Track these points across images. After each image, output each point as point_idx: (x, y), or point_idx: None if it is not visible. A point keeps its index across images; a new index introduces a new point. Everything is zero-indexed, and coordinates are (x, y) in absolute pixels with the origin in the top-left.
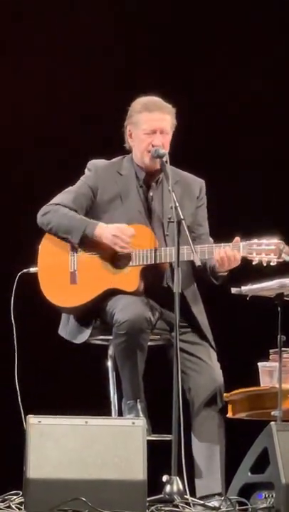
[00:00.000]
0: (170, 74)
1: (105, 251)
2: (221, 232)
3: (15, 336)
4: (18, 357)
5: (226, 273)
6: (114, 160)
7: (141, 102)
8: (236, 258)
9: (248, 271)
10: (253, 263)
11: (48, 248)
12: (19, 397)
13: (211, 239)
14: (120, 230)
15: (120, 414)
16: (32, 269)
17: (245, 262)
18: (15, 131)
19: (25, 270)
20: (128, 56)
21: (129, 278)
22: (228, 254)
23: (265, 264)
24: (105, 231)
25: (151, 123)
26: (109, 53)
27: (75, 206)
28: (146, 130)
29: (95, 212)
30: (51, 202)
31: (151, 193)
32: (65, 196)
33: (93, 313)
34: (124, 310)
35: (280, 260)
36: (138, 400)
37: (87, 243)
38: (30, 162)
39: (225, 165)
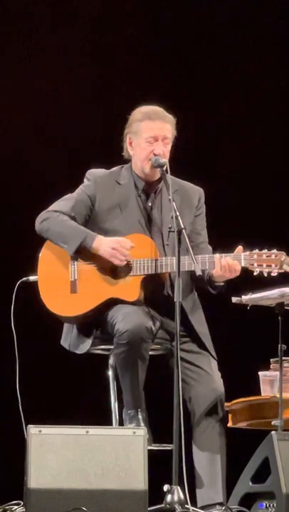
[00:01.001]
0: (170, 84)
1: (105, 260)
2: (222, 242)
3: (15, 344)
4: (19, 366)
5: (222, 283)
6: (113, 169)
7: (142, 110)
8: (236, 269)
9: (248, 280)
10: (254, 274)
11: (48, 256)
12: (20, 407)
13: (209, 247)
14: (119, 243)
15: (121, 423)
16: (32, 278)
17: (246, 272)
18: (15, 137)
19: (24, 278)
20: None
21: (130, 288)
22: (229, 263)
23: (265, 275)
24: (103, 244)
25: (153, 131)
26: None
27: (73, 213)
28: (148, 138)
29: (94, 222)
30: (50, 208)
31: (150, 203)
32: (64, 203)
33: (94, 323)
34: (125, 320)
35: (281, 271)
36: (139, 410)
37: (84, 253)
38: (31, 169)
39: (226, 174)
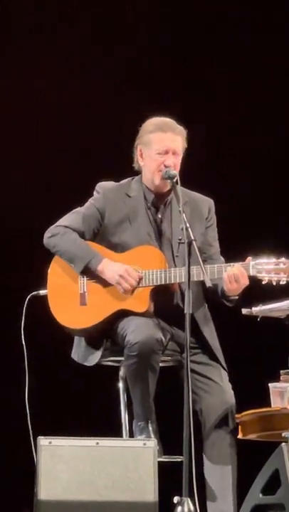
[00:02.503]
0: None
1: None
2: (230, 253)
3: (25, 357)
4: (28, 378)
5: (237, 296)
6: (122, 182)
7: (153, 122)
8: (244, 275)
9: (258, 292)
10: (263, 282)
11: (57, 270)
12: (28, 419)
13: (222, 258)
14: (127, 272)
15: (131, 435)
16: (42, 292)
17: (255, 281)
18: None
19: (34, 292)
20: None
21: (139, 299)
22: (234, 272)
23: (274, 284)
24: (109, 268)
25: (164, 143)
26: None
27: (83, 228)
28: (159, 150)
29: (104, 235)
30: (59, 223)
31: (159, 215)
32: (73, 217)
33: (104, 334)
34: (136, 331)
35: None
36: (149, 421)
37: (91, 273)
38: (39, 182)
39: (235, 184)
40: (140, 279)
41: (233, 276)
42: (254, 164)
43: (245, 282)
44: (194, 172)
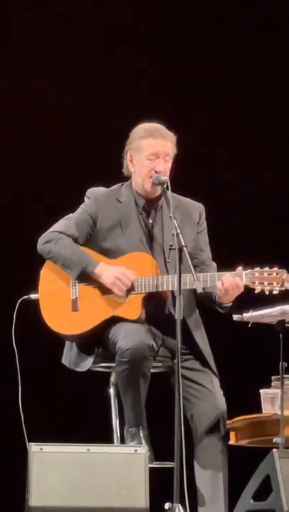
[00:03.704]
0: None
1: None
2: (222, 261)
3: (17, 362)
4: (21, 383)
5: (230, 303)
6: (113, 187)
7: (144, 127)
8: (239, 286)
9: (249, 298)
10: (256, 291)
11: (49, 275)
12: (23, 424)
13: (214, 263)
14: (123, 273)
15: (122, 441)
16: (33, 296)
17: (248, 290)
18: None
19: (26, 296)
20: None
21: (132, 306)
22: (230, 282)
23: (267, 293)
24: (106, 272)
25: (154, 148)
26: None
27: (76, 233)
28: (149, 156)
29: (96, 240)
30: (53, 229)
31: (150, 220)
32: (65, 223)
33: (95, 341)
34: (127, 337)
35: (283, 289)
36: (140, 428)
37: (86, 277)
38: (31, 186)
39: (226, 191)
40: (134, 279)
41: (229, 286)
42: (244, 171)
43: (240, 290)
44: (185, 178)
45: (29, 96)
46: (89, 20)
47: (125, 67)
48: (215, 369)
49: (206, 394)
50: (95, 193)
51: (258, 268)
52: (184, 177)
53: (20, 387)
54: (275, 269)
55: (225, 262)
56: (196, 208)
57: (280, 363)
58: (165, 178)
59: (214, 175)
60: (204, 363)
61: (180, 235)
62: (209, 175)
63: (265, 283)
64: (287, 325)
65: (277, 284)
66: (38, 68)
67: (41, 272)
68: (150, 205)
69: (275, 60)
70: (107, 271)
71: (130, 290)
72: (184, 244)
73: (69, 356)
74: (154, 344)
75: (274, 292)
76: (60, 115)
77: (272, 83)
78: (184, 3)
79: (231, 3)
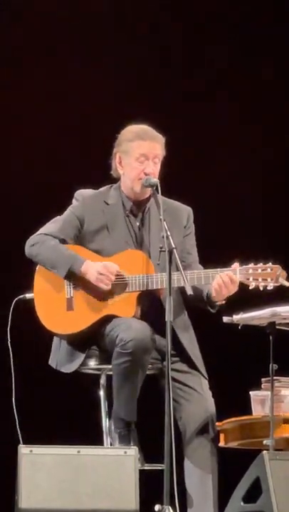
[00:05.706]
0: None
1: None
2: (216, 259)
3: (11, 362)
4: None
5: (223, 301)
6: (101, 189)
7: (132, 130)
8: (234, 280)
9: (239, 299)
10: (250, 288)
11: (43, 274)
12: (17, 425)
13: (200, 266)
14: (105, 268)
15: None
16: (28, 295)
17: (242, 286)
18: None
19: (21, 296)
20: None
21: (126, 304)
22: (224, 280)
23: (261, 289)
24: (90, 268)
25: (143, 150)
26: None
27: (62, 235)
28: (139, 158)
29: (82, 242)
30: (39, 232)
31: (138, 223)
32: (52, 226)
33: (88, 340)
34: (130, 329)
35: (277, 285)
36: (130, 428)
37: (78, 276)
38: (25, 186)
39: (222, 188)
40: (117, 271)
41: (222, 283)
42: (234, 169)
43: (235, 288)
44: (173, 179)
45: (29, 95)
46: (89, 20)
47: (115, 68)
48: (204, 371)
49: (195, 396)
50: (82, 195)
51: (252, 264)
52: (172, 178)
53: (14, 388)
54: (270, 264)
55: (218, 261)
56: (185, 211)
57: (270, 364)
58: (155, 180)
59: (203, 175)
60: (193, 365)
61: (170, 236)
62: (198, 175)
63: (260, 279)
64: (277, 327)
65: (272, 279)
66: (38, 68)
67: (36, 271)
68: (138, 208)
69: (255, 60)
70: (90, 268)
71: (124, 285)
72: (173, 246)
73: (57, 357)
74: (155, 338)
75: (268, 288)
76: (61, 114)
77: (258, 85)
78: (184, 3)
79: (231, 3)
